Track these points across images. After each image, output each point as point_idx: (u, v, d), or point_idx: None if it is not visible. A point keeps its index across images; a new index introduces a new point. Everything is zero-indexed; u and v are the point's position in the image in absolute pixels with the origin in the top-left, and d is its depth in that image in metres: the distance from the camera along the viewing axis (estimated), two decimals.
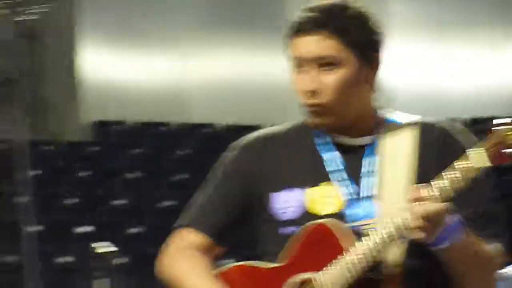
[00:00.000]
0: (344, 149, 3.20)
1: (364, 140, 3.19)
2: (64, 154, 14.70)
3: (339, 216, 3.11)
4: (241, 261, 3.26)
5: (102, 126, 15.51)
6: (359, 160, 3.19)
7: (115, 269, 6.63)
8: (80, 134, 15.53)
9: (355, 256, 3.07)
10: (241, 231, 3.38)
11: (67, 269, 12.62)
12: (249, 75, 16.65)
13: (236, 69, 16.79)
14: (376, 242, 3.03)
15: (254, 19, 16.49)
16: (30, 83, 15.35)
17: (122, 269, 6.64)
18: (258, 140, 3.27)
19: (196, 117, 16.45)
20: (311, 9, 3.08)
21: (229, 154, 3.28)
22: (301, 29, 3.06)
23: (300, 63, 3.04)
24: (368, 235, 3.03)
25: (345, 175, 3.18)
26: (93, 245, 7.05)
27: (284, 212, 3.20)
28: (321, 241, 3.15)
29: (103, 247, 7.16)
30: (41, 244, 11.48)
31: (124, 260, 7.57)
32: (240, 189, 3.24)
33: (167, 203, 13.71)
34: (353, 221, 3.13)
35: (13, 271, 11.85)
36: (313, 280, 3.16)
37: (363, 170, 3.19)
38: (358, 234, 3.06)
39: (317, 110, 3.08)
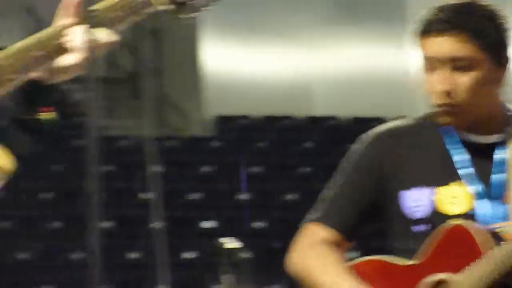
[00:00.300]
0: (472, 148, 3.21)
1: (493, 138, 3.20)
2: (188, 149, 14.96)
3: (469, 216, 3.14)
4: (367, 254, 3.35)
5: (225, 120, 15.71)
6: (488, 159, 3.20)
7: (240, 264, 6.65)
8: (203, 129, 15.77)
9: (493, 260, 3.03)
10: (369, 227, 3.36)
11: (193, 264, 12.83)
12: (372, 68, 16.80)
13: (359, 62, 16.86)
14: None
15: (376, 13, 16.69)
16: (154, 79, 15.71)
17: (247, 264, 6.78)
18: (386, 134, 3.33)
19: (320, 110, 16.54)
20: (442, 9, 3.13)
21: (358, 148, 3.34)
22: (434, 29, 3.12)
23: (433, 63, 3.09)
24: (505, 238, 3.01)
25: (474, 175, 3.18)
26: (217, 240, 7.10)
27: (414, 211, 3.24)
28: (458, 243, 3.12)
29: (228, 242, 7.11)
30: (167, 239, 11.62)
31: (248, 254, 7.65)
32: (370, 184, 3.30)
33: (290, 196, 13.79)
34: (483, 221, 3.13)
35: (142, 267, 12.03)
36: (449, 281, 3.17)
37: (493, 169, 3.18)
38: (495, 237, 3.06)
39: (449, 110, 3.11)
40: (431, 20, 3.08)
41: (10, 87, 2.65)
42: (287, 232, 12.95)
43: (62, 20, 2.61)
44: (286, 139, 15.46)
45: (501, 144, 3.22)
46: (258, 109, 16.22)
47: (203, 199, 13.31)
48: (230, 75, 16.22)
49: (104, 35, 2.62)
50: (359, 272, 3.40)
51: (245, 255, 6.80)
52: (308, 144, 15.33)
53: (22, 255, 12.68)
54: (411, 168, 3.24)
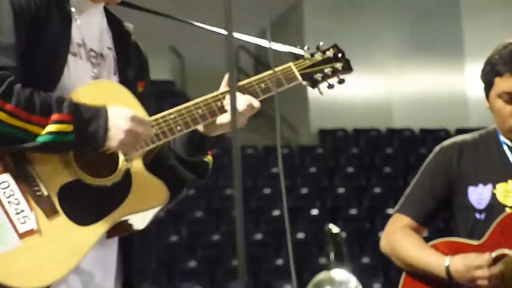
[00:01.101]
0: None
1: None
2: (297, 156, 14.78)
3: None
4: (436, 236, 3.50)
5: (325, 132, 15.64)
6: None
7: (340, 243, 6.65)
8: (309, 139, 15.67)
9: None
10: (441, 216, 3.60)
11: (303, 243, 12.36)
12: (436, 89, 16.65)
13: (427, 85, 16.69)
14: None
15: (439, 47, 16.56)
16: (270, 101, 15.76)
17: (344, 243, 6.76)
18: (457, 144, 3.41)
19: (398, 123, 16.44)
20: None
21: (435, 155, 3.43)
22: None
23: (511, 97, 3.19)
24: None
25: None
26: (326, 225, 7.35)
27: (479, 202, 3.35)
28: None
29: (332, 227, 7.12)
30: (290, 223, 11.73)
31: (344, 235, 7.63)
32: (443, 183, 3.38)
33: (377, 190, 13.58)
34: None
35: (263, 245, 12.11)
36: (510, 254, 3.31)
37: None
38: None
39: None
40: (506, 61, 3.15)
41: (179, 135, 2.64)
42: (374, 217, 13.19)
43: (224, 88, 2.68)
44: (372, 147, 15.34)
45: None
46: (350, 123, 16.01)
47: (310, 192, 13.14)
48: (329, 96, 16.08)
49: (252, 101, 2.69)
50: (437, 249, 3.48)
51: (343, 236, 6.96)
52: (389, 150, 15.22)
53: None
54: (477, 168, 3.31)
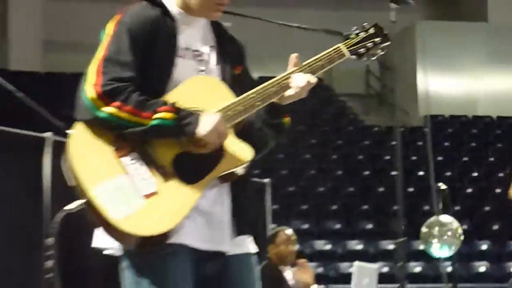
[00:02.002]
0: None
1: None
2: (408, 135, 13.91)
3: None
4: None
5: (431, 116, 14.01)
6: None
7: (446, 199, 6.21)
8: (417, 121, 15.00)
9: None
10: None
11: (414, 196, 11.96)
12: None
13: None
14: None
15: None
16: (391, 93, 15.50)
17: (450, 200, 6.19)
18: None
19: (481, 112, 15.70)
20: None
21: None
22: None
23: None
24: None
25: None
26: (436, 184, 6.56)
27: None
28: None
29: (442, 185, 6.39)
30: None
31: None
32: None
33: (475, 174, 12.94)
34: None
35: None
36: None
37: None
38: None
39: None
40: None
41: (259, 108, 2.50)
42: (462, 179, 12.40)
43: (290, 69, 2.56)
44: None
45: None
46: (445, 110, 15.57)
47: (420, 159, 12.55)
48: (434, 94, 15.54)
49: (310, 78, 2.53)
50: None
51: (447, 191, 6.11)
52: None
53: None
54: None
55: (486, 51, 16.04)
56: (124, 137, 2.38)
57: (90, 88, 2.37)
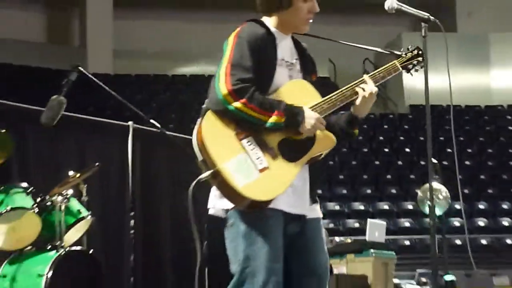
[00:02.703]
0: None
1: None
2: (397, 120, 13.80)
3: None
4: None
5: (413, 107, 14.17)
6: None
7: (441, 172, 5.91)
8: (402, 110, 14.35)
9: None
10: None
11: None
12: None
13: None
14: None
15: None
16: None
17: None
18: None
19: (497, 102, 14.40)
20: None
21: None
22: None
23: None
24: None
25: None
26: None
27: None
28: None
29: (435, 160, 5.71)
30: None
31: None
32: None
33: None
34: None
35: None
36: None
37: None
38: None
39: None
40: None
41: (339, 106, 2.53)
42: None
43: (361, 79, 2.57)
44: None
45: None
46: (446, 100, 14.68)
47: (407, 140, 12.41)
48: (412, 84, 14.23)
49: (373, 88, 2.56)
50: None
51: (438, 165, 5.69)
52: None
53: None
54: None
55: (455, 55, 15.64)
56: (244, 125, 2.41)
57: (222, 86, 2.38)
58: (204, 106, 2.45)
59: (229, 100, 2.38)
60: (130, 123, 5.07)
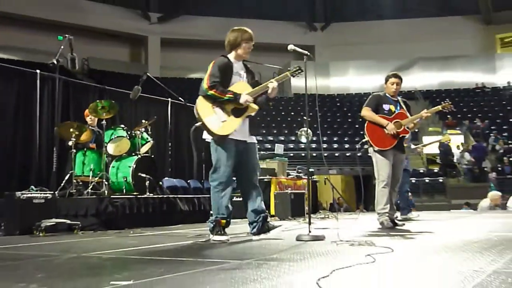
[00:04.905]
0: None
1: None
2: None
3: None
4: None
5: None
6: None
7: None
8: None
9: None
10: None
11: None
12: None
13: None
14: None
15: None
16: None
17: None
18: None
19: None
20: None
21: None
22: None
23: None
24: None
25: None
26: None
27: None
28: None
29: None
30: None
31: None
32: None
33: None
34: None
35: None
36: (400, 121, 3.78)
37: None
38: None
39: None
40: None
41: (255, 95, 3.38)
42: None
43: (269, 81, 3.49)
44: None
45: None
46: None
47: None
48: None
49: (276, 84, 3.58)
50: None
51: None
52: None
53: None
54: None
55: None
56: (215, 101, 3.72)
57: (205, 84, 3.70)
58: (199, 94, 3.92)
59: (208, 90, 3.73)
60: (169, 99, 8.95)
